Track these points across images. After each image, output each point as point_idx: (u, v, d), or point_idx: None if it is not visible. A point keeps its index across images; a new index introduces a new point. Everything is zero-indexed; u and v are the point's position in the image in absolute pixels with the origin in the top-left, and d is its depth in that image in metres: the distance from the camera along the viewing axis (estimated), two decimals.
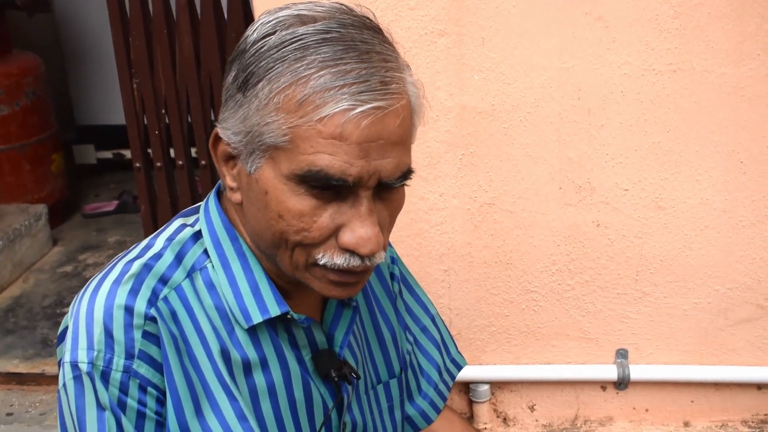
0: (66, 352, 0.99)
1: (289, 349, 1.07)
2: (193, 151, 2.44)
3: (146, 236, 2.41)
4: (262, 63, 0.90)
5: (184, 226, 1.08)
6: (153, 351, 0.97)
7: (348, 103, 0.86)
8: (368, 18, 0.95)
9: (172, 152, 2.40)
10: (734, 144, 1.96)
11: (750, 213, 2.01)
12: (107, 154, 4.57)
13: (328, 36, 0.88)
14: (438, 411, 1.34)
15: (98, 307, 0.97)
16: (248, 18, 2.20)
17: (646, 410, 2.26)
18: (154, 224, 2.42)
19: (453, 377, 1.38)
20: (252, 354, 1.03)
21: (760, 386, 2.21)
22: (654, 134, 1.96)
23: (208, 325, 1.02)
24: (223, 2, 2.21)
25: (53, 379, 2.51)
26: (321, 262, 0.94)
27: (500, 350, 2.22)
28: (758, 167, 1.97)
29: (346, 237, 0.92)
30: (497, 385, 2.28)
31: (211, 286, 1.03)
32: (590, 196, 2.03)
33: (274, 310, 1.02)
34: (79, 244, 3.84)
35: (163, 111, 2.30)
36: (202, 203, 1.11)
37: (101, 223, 4.08)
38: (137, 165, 2.35)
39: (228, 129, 0.95)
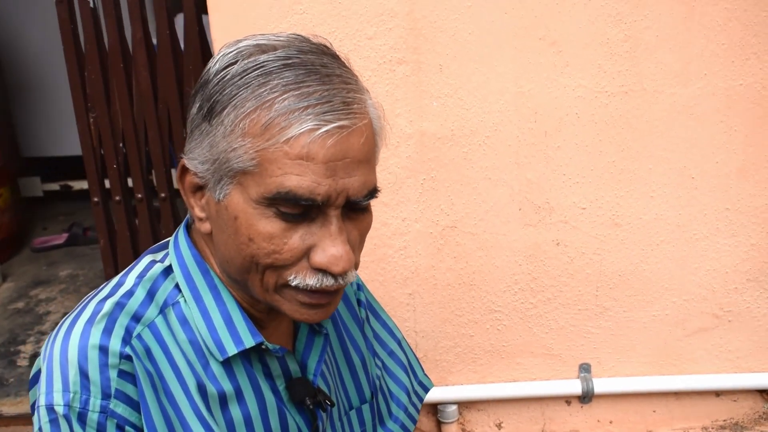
0: (41, 395, 0.98)
1: (264, 379, 1.08)
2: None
3: (106, 271, 2.38)
4: (226, 91, 0.92)
5: (153, 262, 1.08)
6: (129, 390, 0.97)
7: (313, 123, 0.88)
8: (326, 45, 0.98)
9: (130, 183, 2.37)
10: (685, 161, 2.02)
11: (702, 226, 2.08)
12: (54, 186, 4.49)
13: (289, 62, 0.91)
14: None
15: (72, 348, 0.97)
16: (205, 51, 2.20)
17: (610, 422, 2.31)
18: (113, 259, 2.39)
19: (421, 400, 1.41)
20: (227, 386, 1.04)
21: (718, 393, 2.28)
22: (609, 154, 2.02)
23: (183, 360, 1.02)
24: (179, 35, 2.21)
25: (11, 420, 2.45)
26: (293, 284, 0.95)
27: (466, 370, 2.25)
28: (708, 182, 2.04)
29: (318, 257, 0.93)
30: (464, 405, 2.31)
31: (184, 321, 1.04)
32: (549, 215, 2.07)
33: (249, 341, 1.03)
34: (29, 280, 3.76)
35: (121, 144, 2.27)
36: (171, 238, 1.11)
37: (51, 256, 4.01)
38: (95, 199, 2.32)
39: (195, 159, 0.96)
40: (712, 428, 2.31)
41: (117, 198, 2.32)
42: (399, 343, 1.37)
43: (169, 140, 2.27)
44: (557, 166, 2.03)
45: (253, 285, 0.99)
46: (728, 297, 2.16)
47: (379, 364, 1.33)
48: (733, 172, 2.03)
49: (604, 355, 2.22)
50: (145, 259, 1.10)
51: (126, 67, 2.20)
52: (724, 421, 2.31)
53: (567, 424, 2.31)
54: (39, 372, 1.04)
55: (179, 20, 2.22)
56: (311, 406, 1.09)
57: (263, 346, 1.05)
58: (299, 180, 0.89)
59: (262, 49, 0.94)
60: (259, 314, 1.08)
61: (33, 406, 1.07)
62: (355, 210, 0.97)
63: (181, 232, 1.10)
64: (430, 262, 2.13)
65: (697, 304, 2.16)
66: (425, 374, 1.42)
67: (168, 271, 1.07)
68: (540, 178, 2.04)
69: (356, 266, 1.01)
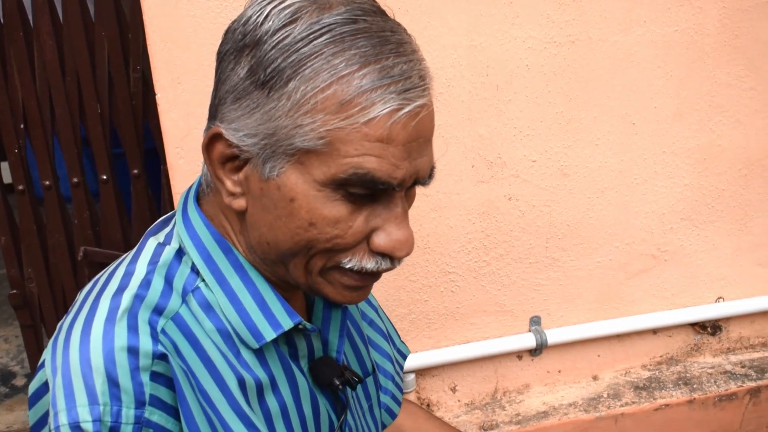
0: (59, 412, 0.82)
1: (292, 361, 0.98)
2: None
3: (9, 272, 2.12)
4: (291, 58, 0.81)
5: (161, 245, 0.94)
6: (163, 393, 0.85)
7: (396, 103, 0.80)
8: (375, 0, 0.89)
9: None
10: (627, 108, 2.07)
11: (642, 171, 2.15)
12: None
13: (358, 27, 0.81)
14: (399, 404, 1.34)
15: (95, 353, 0.82)
16: (120, 14, 1.97)
17: (559, 371, 2.35)
18: (17, 259, 2.11)
19: (402, 367, 1.38)
20: (262, 375, 0.94)
21: (655, 331, 2.38)
22: (557, 104, 2.02)
23: (216, 351, 0.91)
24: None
25: None
26: (347, 266, 0.88)
27: (421, 336, 2.20)
28: (648, 127, 2.10)
29: (382, 240, 0.86)
30: (419, 372, 2.26)
31: (208, 308, 0.92)
32: (501, 170, 2.06)
33: (287, 323, 0.94)
34: None
35: (22, 126, 2.00)
36: (177, 213, 0.98)
37: None
38: None
39: (239, 131, 0.84)
40: (651, 365, 2.41)
41: (20, 187, 2.04)
42: (376, 311, 1.34)
43: (80, 118, 2.02)
44: (508, 120, 2.01)
45: (295, 268, 0.89)
46: (665, 237, 2.25)
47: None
48: (669, 116, 2.11)
49: (553, 306, 2.25)
50: (150, 243, 0.95)
51: (26, 35, 1.93)
52: (661, 356, 2.41)
53: (519, 378, 2.33)
54: (44, 386, 0.88)
55: None
56: (340, 386, 1.01)
57: (301, 326, 0.95)
58: (379, 162, 0.80)
59: (320, 5, 0.83)
60: (285, 292, 0.98)
61: (36, 427, 0.91)
62: (411, 188, 0.90)
63: (191, 206, 0.96)
64: None
65: (637, 247, 2.24)
66: (402, 341, 1.39)
67: (180, 253, 0.93)
68: (492, 132, 2.01)
69: None
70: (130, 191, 2.10)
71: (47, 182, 2.05)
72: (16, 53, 1.92)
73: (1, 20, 1.92)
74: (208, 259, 0.93)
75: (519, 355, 2.31)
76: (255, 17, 0.84)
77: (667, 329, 2.38)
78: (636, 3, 1.97)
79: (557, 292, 2.24)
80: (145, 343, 0.84)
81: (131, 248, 0.99)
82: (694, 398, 2.31)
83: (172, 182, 1.83)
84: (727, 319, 2.42)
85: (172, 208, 1.93)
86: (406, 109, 0.79)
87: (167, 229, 0.98)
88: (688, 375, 2.36)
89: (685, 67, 2.07)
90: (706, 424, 2.37)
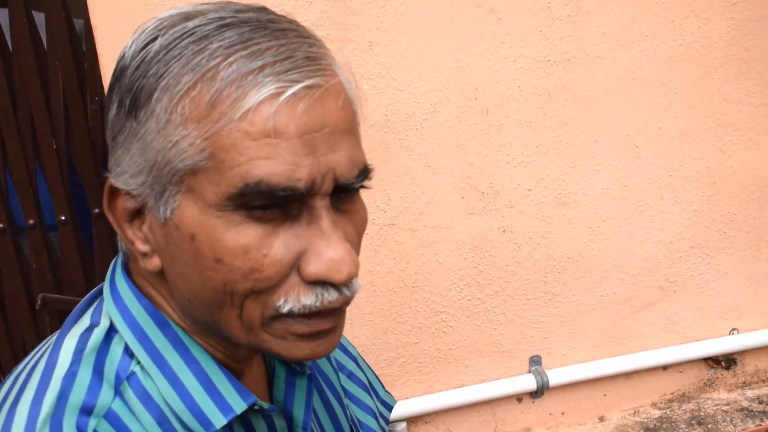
0: None
1: None
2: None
3: None
4: (151, 70, 0.65)
5: (87, 330, 0.77)
6: None
7: (274, 85, 0.63)
8: (265, 7, 0.72)
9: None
10: (629, 129, 1.91)
11: (647, 197, 1.98)
12: None
13: (227, 22, 0.66)
14: None
15: None
16: (74, 42, 1.80)
17: (562, 413, 2.18)
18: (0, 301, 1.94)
19: (387, 421, 1.20)
20: None
21: (665, 367, 2.20)
22: (553, 128, 1.86)
23: None
24: (40, 27, 1.80)
25: None
26: (284, 310, 0.68)
27: (411, 381, 2.03)
28: (652, 149, 1.94)
29: (312, 265, 0.67)
30: (411, 420, 2.08)
31: (146, 397, 0.74)
32: (494, 201, 1.89)
33: (239, 406, 0.76)
34: None
35: None
36: (104, 286, 0.80)
37: None
38: None
39: (124, 173, 0.68)
40: (661, 403, 2.24)
41: None
42: (356, 361, 1.15)
43: (34, 155, 1.85)
44: (500, 146, 1.85)
45: (230, 325, 0.71)
46: (673, 267, 2.08)
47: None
48: (675, 137, 1.94)
49: (554, 344, 2.08)
50: (74, 332, 0.77)
51: None
52: (672, 394, 2.24)
53: (519, 422, 2.16)
54: None
55: (39, 17, 1.81)
56: None
57: (256, 407, 0.78)
58: (270, 165, 0.63)
59: (187, 16, 0.67)
60: (236, 363, 0.81)
61: None
62: (345, 199, 0.71)
63: (119, 276, 0.79)
64: (367, 267, 1.89)
65: (643, 278, 2.07)
66: (386, 390, 1.21)
67: (111, 332, 0.76)
68: (483, 161, 1.85)
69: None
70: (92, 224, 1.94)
71: (1, 225, 1.88)
72: None
73: None
74: (143, 337, 0.76)
75: (519, 397, 2.13)
76: (123, 49, 0.68)
77: (678, 365, 2.21)
78: (636, 16, 1.81)
79: (558, 329, 2.07)
80: None
81: None
82: None
83: None
84: (743, 352, 2.25)
85: None
86: (290, 91, 0.63)
87: (91, 309, 0.81)
88: (701, 413, 2.19)
89: (691, 83, 1.90)
90: None
